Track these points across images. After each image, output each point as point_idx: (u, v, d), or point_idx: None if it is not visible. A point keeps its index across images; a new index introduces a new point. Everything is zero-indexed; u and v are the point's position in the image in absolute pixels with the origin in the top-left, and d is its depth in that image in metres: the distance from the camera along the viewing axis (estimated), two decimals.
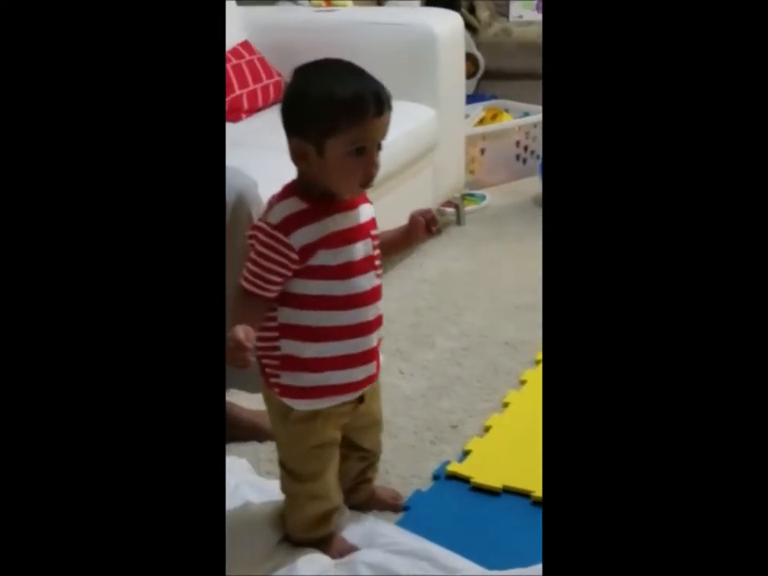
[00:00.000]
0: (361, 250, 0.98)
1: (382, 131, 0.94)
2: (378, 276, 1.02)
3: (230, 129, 1.82)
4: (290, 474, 1.06)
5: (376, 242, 1.02)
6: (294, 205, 0.95)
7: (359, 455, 1.14)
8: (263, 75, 1.98)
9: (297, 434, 1.03)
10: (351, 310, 0.98)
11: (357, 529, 1.13)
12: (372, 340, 1.02)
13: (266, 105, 1.96)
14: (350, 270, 0.97)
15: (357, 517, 1.15)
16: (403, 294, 1.88)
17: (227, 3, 2.09)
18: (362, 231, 0.99)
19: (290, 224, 0.94)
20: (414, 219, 1.05)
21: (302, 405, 1.01)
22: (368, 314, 1.00)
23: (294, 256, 0.94)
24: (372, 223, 1.02)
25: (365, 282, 0.99)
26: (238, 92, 1.90)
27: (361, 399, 1.05)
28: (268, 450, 1.32)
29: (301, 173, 0.97)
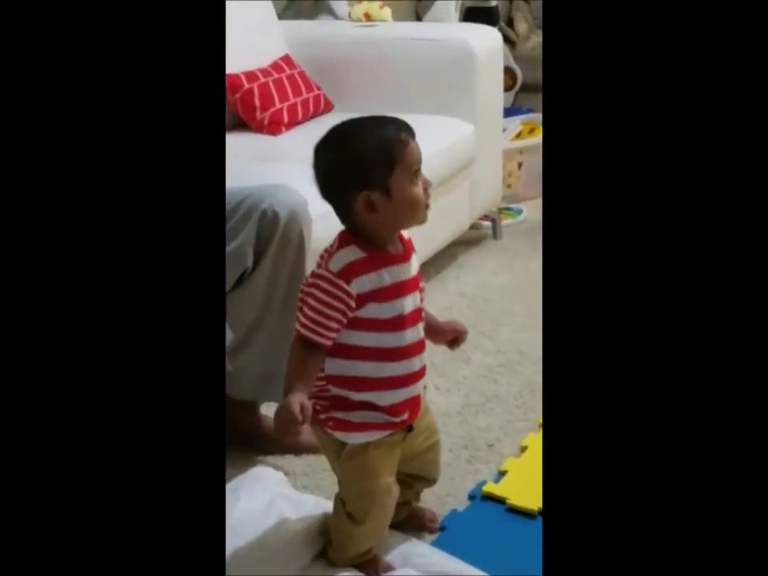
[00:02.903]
0: (410, 302, 1.01)
1: (420, 152, 0.99)
2: (424, 327, 1.04)
3: (271, 142, 1.86)
4: (348, 516, 1.06)
5: (423, 294, 1.04)
6: (354, 253, 0.97)
7: (420, 485, 1.15)
8: (303, 89, 1.99)
9: (351, 470, 1.04)
10: (398, 361, 1.00)
11: (393, 548, 1.12)
12: (417, 388, 1.04)
13: (306, 118, 1.98)
14: (399, 323, 0.99)
15: (393, 535, 1.15)
16: (439, 308, 1.86)
17: (269, 18, 2.12)
18: (413, 284, 1.02)
19: (350, 272, 0.96)
20: (452, 330, 1.11)
21: (353, 438, 1.02)
22: (414, 365, 1.02)
23: (353, 304, 0.96)
24: (419, 276, 1.04)
25: (412, 334, 1.01)
26: (278, 106, 1.92)
27: (410, 428, 1.06)
28: (304, 464, 1.33)
29: (359, 226, 0.98)
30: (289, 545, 1.12)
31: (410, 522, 1.18)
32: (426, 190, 0.98)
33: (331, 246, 1.00)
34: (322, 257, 1.00)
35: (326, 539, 1.12)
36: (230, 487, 1.23)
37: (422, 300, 1.03)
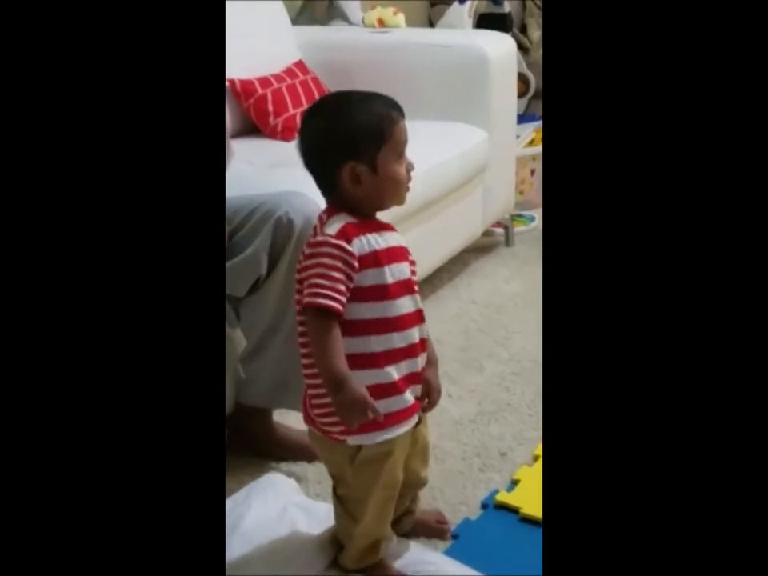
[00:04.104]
0: (406, 270, 1.01)
1: (407, 133, 1.01)
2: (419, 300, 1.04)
3: (284, 148, 1.86)
4: (349, 514, 1.06)
5: (414, 267, 1.04)
6: (346, 218, 0.98)
7: (413, 490, 1.14)
8: (316, 95, 1.99)
9: (367, 475, 1.02)
10: (400, 332, 0.99)
11: (404, 556, 1.12)
12: (419, 363, 1.03)
13: None
14: (398, 289, 0.99)
15: (404, 544, 1.14)
16: (452, 315, 1.87)
17: (283, 24, 2.12)
18: (403, 252, 1.03)
19: (347, 232, 0.97)
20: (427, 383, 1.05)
21: (372, 438, 1.00)
22: (414, 335, 1.02)
23: (356, 264, 0.96)
24: (407, 249, 1.04)
25: (411, 303, 1.01)
26: (291, 111, 1.92)
27: (417, 422, 1.05)
28: (317, 471, 1.32)
29: (344, 198, 0.99)
30: (301, 553, 1.11)
31: (419, 530, 1.17)
32: (408, 172, 1.00)
33: (320, 220, 1.00)
34: (312, 234, 1.01)
35: (338, 547, 1.11)
36: (242, 494, 1.23)
37: (414, 273, 1.03)
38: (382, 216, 1.05)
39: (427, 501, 1.21)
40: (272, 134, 1.89)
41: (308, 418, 1.05)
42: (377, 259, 0.97)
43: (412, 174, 1.01)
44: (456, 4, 2.54)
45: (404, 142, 0.99)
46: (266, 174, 1.58)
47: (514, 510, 1.22)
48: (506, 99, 2.10)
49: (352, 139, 0.96)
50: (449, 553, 1.15)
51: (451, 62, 2.00)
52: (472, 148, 1.94)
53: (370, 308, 0.97)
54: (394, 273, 0.98)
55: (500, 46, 2.07)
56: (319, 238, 0.97)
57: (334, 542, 1.12)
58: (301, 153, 1.01)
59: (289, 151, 1.83)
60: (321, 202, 1.23)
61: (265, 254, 1.20)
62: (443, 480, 1.28)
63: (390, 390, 0.99)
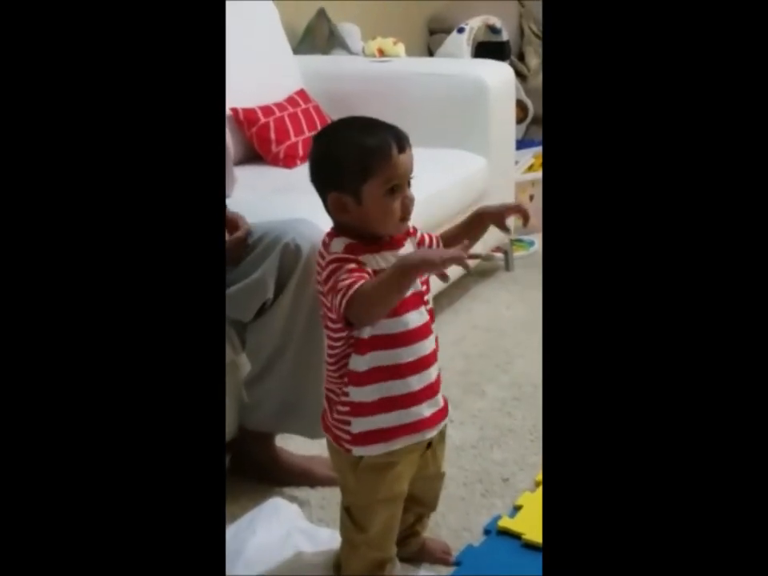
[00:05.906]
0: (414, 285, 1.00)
1: (409, 166, 0.99)
2: (428, 310, 1.04)
3: (287, 175, 1.89)
4: (354, 524, 1.06)
5: (423, 278, 1.04)
6: (344, 240, 0.99)
7: (417, 508, 1.14)
8: (318, 123, 2.02)
9: (368, 483, 1.03)
10: (408, 346, 1.00)
11: None
12: (432, 374, 1.04)
13: None
14: (401, 307, 0.99)
15: (407, 569, 1.14)
16: (453, 340, 1.88)
17: (285, 53, 2.16)
18: None
19: (350, 251, 0.97)
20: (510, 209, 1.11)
21: (375, 450, 1.01)
22: (425, 348, 1.02)
23: (369, 269, 0.95)
24: None
25: (416, 317, 1.01)
26: (293, 139, 1.95)
27: (428, 444, 1.06)
28: (319, 497, 1.33)
29: (341, 223, 1.00)
30: None
31: (424, 555, 1.18)
32: (405, 206, 0.97)
33: (323, 245, 1.01)
34: (318, 263, 1.00)
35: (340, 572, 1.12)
36: (245, 520, 1.23)
37: (422, 283, 1.02)
38: None
39: (430, 527, 1.21)
40: (274, 162, 1.92)
41: (326, 427, 1.06)
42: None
43: (412, 207, 0.99)
44: (455, 33, 2.59)
45: (401, 176, 0.96)
46: (267, 200, 1.60)
47: (516, 536, 1.22)
48: (504, 127, 2.12)
49: (337, 171, 0.96)
50: None
51: (450, 91, 2.03)
52: (471, 174, 1.96)
53: (370, 327, 0.98)
54: None
55: (498, 75, 2.10)
56: (329, 257, 0.98)
57: (338, 566, 1.12)
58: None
59: (291, 178, 1.88)
60: (325, 228, 1.25)
61: (272, 278, 1.21)
62: (445, 506, 1.28)
63: (390, 404, 1.00)
